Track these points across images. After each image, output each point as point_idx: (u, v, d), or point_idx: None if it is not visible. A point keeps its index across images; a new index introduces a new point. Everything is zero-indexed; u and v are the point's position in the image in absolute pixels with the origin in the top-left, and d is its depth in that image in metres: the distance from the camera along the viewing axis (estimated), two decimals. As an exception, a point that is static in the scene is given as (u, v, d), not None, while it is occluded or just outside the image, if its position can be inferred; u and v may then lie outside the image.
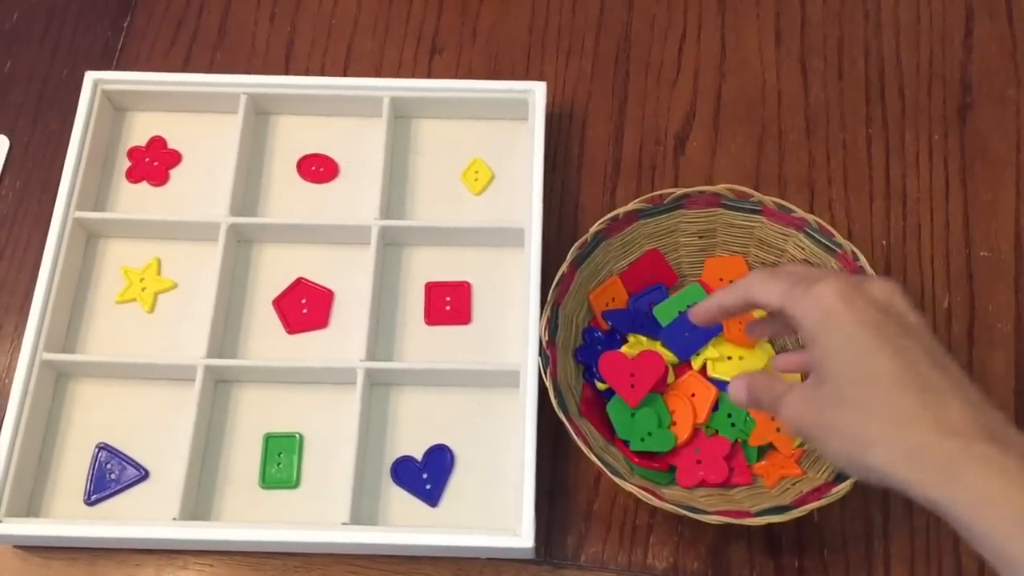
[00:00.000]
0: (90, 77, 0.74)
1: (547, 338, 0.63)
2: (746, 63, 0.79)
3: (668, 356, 0.66)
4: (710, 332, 0.66)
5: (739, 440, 0.64)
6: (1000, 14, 0.80)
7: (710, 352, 0.66)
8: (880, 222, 0.74)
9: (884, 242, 0.73)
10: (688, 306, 0.66)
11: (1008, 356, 0.69)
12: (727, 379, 0.65)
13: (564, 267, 0.65)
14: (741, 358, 0.66)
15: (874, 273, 0.63)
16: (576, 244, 0.65)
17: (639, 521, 0.65)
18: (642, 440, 0.64)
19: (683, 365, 0.67)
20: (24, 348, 0.66)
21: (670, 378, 0.66)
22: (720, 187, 0.67)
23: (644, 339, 0.67)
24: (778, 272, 0.52)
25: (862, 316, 0.47)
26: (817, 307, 0.48)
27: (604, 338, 0.67)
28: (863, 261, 0.63)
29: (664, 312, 0.67)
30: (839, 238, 0.64)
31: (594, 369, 0.66)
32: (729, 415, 0.65)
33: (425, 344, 0.70)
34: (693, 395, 0.65)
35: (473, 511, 0.65)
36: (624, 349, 0.66)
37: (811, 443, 0.55)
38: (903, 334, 0.47)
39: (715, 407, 0.65)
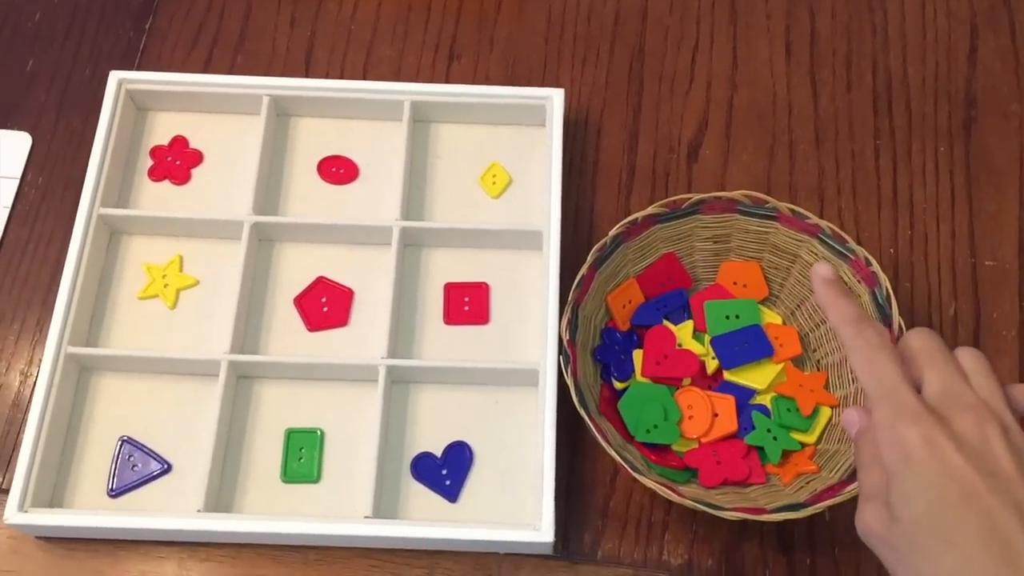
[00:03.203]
0: (115, 76, 0.75)
1: (568, 337, 0.64)
2: (757, 74, 0.81)
3: (711, 361, 0.68)
4: (761, 352, 0.67)
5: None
6: (1004, 31, 0.82)
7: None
8: (888, 231, 0.75)
9: (892, 250, 0.75)
10: (736, 316, 0.68)
11: (1013, 362, 0.71)
12: (744, 384, 0.67)
13: (584, 269, 0.66)
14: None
15: (884, 277, 0.65)
16: (596, 247, 0.67)
17: (655, 518, 0.66)
18: (648, 432, 0.65)
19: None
20: (49, 341, 0.67)
21: (686, 381, 0.67)
22: (736, 193, 0.68)
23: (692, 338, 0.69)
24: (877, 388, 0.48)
25: (947, 466, 0.44)
26: (899, 448, 0.45)
27: (622, 338, 0.68)
28: (875, 267, 0.65)
29: (714, 310, 0.68)
30: (852, 244, 0.66)
31: (612, 368, 0.67)
32: (769, 430, 0.66)
33: (444, 343, 0.71)
34: (716, 415, 0.66)
35: (492, 507, 0.66)
36: (676, 329, 0.69)
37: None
38: (993, 490, 0.43)
39: (741, 417, 0.66)
